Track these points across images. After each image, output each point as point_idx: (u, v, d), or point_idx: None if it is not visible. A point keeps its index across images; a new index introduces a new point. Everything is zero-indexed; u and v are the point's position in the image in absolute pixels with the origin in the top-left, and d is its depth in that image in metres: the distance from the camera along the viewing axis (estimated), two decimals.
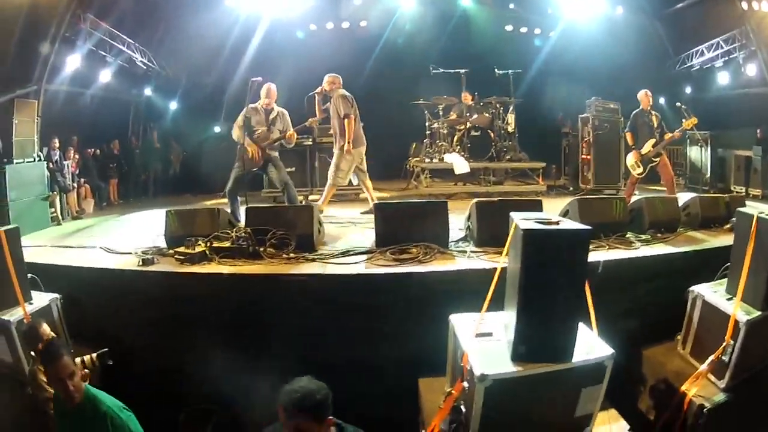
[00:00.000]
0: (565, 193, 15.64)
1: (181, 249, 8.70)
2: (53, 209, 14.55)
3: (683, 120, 13.04)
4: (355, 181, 12.96)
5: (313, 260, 8.34)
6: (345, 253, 8.61)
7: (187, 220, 9.57)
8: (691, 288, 6.82)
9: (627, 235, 8.95)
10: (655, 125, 13.23)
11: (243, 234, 8.72)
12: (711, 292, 6.60)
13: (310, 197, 15.15)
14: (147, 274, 8.38)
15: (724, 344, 5.95)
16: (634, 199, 10.32)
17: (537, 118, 18.90)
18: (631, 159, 13.40)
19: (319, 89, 12.30)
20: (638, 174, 13.35)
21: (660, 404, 6.60)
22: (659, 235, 9.16)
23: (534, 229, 4.40)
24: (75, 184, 15.66)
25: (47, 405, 6.16)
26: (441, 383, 5.98)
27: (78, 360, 6.75)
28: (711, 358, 5.98)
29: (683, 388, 6.02)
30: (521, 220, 4.57)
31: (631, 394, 7.06)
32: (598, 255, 7.67)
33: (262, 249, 8.51)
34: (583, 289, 4.60)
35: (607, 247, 8.34)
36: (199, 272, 8.21)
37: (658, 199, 9.95)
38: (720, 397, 5.85)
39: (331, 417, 4.25)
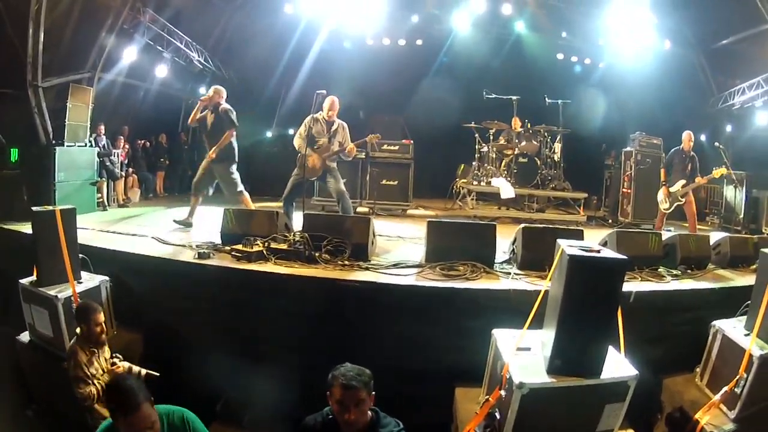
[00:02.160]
0: (604, 225, 15.73)
1: (239, 246, 9.02)
2: (100, 195, 15.07)
3: (714, 168, 13.27)
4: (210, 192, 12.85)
5: (367, 269, 8.61)
6: (397, 265, 8.87)
7: (244, 219, 9.94)
8: (713, 323, 7.06)
9: (659, 269, 9.08)
10: (689, 168, 13.48)
11: (300, 238, 9.03)
12: (731, 327, 6.86)
13: (359, 209, 15.37)
14: (206, 267, 8.71)
15: (738, 377, 6.21)
16: (667, 234, 10.42)
17: (581, 148, 18.89)
18: (660, 194, 13.70)
19: (204, 97, 12.32)
20: (664, 209, 13.67)
21: (674, 431, 6.85)
22: (689, 270, 9.29)
23: (579, 255, 4.83)
24: (123, 173, 16.13)
25: (78, 384, 6.58)
26: (476, 393, 6.40)
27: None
28: (725, 389, 6.24)
29: (696, 416, 6.27)
30: (567, 246, 5.01)
31: (649, 419, 7.30)
32: (631, 285, 7.81)
33: (317, 254, 8.80)
34: (615, 313, 5.04)
35: (640, 278, 8.53)
36: (257, 270, 8.47)
37: (692, 236, 10.13)
38: (729, 426, 6.13)
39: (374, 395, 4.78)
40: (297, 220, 10.91)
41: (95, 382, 6.70)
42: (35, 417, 8.35)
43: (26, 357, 8.19)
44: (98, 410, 6.67)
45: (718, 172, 13.16)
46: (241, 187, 12.22)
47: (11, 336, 8.42)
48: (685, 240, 9.75)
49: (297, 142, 11.81)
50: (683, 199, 13.44)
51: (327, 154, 11.68)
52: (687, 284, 8.77)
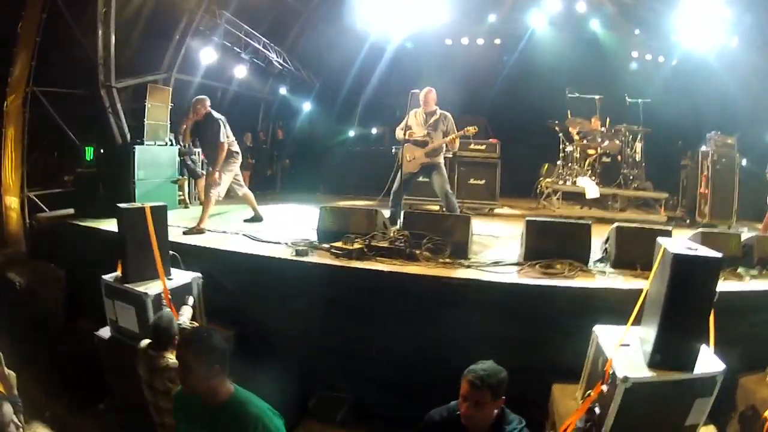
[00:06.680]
0: (683, 225, 15.36)
1: (338, 244, 9.30)
2: (181, 193, 15.55)
3: None
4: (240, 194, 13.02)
5: (469, 267, 8.84)
6: (497, 263, 9.08)
7: (342, 217, 10.24)
8: None
9: (739, 269, 9.00)
10: None
11: (401, 236, 9.31)
12: None
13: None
14: (305, 264, 9.04)
15: None
16: (746, 235, 10.33)
17: (656, 146, 18.68)
18: None
19: (190, 116, 12.33)
20: None
21: (745, 429, 7.05)
22: (765, 271, 9.23)
23: (682, 254, 5.14)
24: (204, 171, 16.19)
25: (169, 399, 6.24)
26: (573, 389, 6.73)
27: None
28: None
29: (765, 414, 6.36)
30: (669, 245, 5.33)
31: (724, 417, 7.26)
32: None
33: (418, 252, 9.07)
34: (710, 309, 5.36)
35: (723, 278, 8.28)
36: (359, 267, 8.76)
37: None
38: None
39: (504, 398, 4.94)
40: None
41: None
42: (106, 410, 8.76)
43: (106, 352, 8.38)
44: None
45: None
46: (214, 189, 11.99)
47: (87, 331, 8.73)
48: (762, 241, 9.70)
49: (397, 134, 11.92)
50: None
51: (425, 150, 11.64)
52: (764, 284, 8.74)
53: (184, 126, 12.50)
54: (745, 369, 7.50)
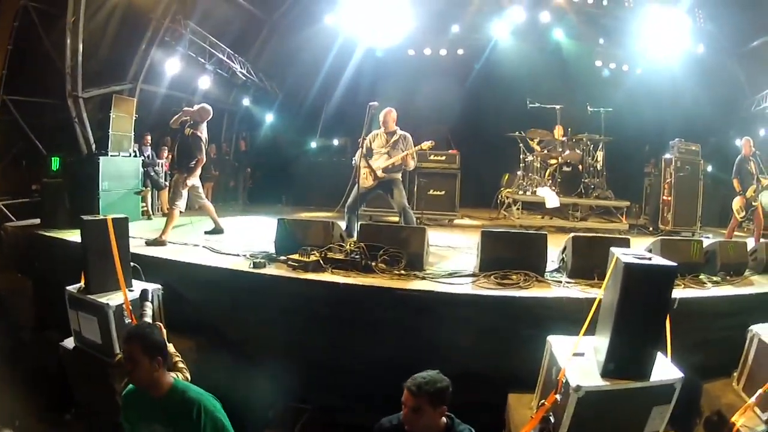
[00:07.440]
0: (645, 233, 15.56)
1: (295, 256, 9.19)
2: (144, 204, 15.43)
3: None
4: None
5: (423, 278, 8.74)
6: (452, 275, 8.96)
7: (299, 229, 10.05)
8: (750, 327, 7.21)
9: (700, 276, 9.08)
10: (754, 171, 13.57)
11: (356, 248, 9.18)
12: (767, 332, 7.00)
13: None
14: (262, 276, 8.95)
15: None
16: (708, 241, 10.38)
17: (620, 155, 18.75)
18: (737, 203, 13.73)
19: (188, 110, 12.30)
20: (741, 218, 13.75)
21: None
22: (728, 277, 9.29)
23: (634, 263, 5.10)
24: (167, 183, 16.25)
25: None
26: (529, 398, 6.70)
27: None
28: (759, 392, 6.32)
29: (732, 419, 6.36)
30: (622, 255, 5.28)
31: (689, 423, 7.35)
32: (675, 292, 7.04)
33: (374, 263, 8.93)
34: (665, 318, 5.32)
35: (683, 285, 8.60)
36: (315, 279, 8.65)
37: (730, 243, 10.08)
38: (762, 427, 6.15)
39: (445, 407, 4.96)
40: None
41: None
42: (74, 420, 8.67)
43: (71, 363, 8.32)
44: None
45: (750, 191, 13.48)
46: (178, 202, 12.06)
47: (54, 341, 8.64)
48: (725, 247, 9.74)
49: (356, 155, 11.87)
50: (756, 204, 13.52)
51: (381, 166, 11.62)
52: (726, 290, 8.84)
53: (183, 115, 12.12)
54: (710, 375, 7.60)
